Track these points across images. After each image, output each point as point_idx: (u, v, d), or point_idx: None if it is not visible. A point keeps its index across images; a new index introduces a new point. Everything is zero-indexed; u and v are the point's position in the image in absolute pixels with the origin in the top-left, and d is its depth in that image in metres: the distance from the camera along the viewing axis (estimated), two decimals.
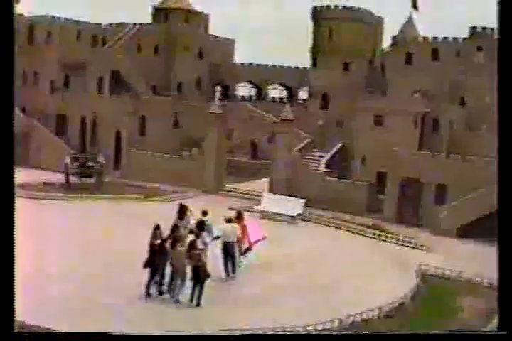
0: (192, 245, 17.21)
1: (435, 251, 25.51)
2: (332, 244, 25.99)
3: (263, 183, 36.27)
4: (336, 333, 15.40)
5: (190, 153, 38.00)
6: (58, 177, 35.18)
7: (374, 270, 22.32)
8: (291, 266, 21.78)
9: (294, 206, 30.37)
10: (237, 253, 19.81)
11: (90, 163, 36.36)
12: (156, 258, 17.37)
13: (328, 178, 33.87)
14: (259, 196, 32.62)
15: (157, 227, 18.00)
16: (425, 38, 45.69)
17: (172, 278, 17.39)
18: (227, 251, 19.39)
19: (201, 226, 19.07)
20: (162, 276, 17.60)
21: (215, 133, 36.55)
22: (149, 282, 17.53)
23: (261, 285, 19.34)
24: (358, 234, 28.08)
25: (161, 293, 17.60)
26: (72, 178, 35.02)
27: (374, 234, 27.82)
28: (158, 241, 17.46)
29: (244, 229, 20.23)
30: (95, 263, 20.18)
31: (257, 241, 21.05)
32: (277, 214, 29.81)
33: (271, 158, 36.21)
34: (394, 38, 47.82)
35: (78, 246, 21.99)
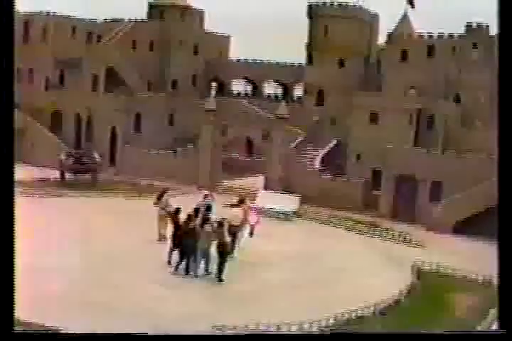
0: (220, 224, 19.28)
1: (430, 248, 25.52)
2: (327, 240, 25.95)
3: (258, 180, 36.23)
4: (331, 331, 15.39)
5: (185, 149, 37.92)
6: (53, 174, 35.05)
7: (369, 267, 22.31)
8: (286, 263, 21.75)
9: (289, 203, 30.33)
10: (239, 234, 21.63)
11: (85, 160, 36.25)
12: (188, 239, 19.05)
13: (324, 175, 33.86)
14: (255, 193, 32.57)
15: (178, 211, 20.50)
16: (420, 35, 45.64)
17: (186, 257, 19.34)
18: (231, 232, 21.05)
19: (209, 209, 21.70)
20: (189, 255, 19.16)
21: (210, 129, 36.49)
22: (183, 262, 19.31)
23: (256, 282, 19.30)
24: (353, 230, 28.07)
25: (187, 271, 19.22)
26: (67, 175, 34.91)
27: (369, 230, 27.81)
28: (193, 223, 19.36)
29: (246, 212, 22.39)
30: (89, 261, 20.08)
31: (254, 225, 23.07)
32: (272, 210, 29.74)
33: (266, 155, 36.17)
34: (389, 34, 47.75)
35: (73, 244, 21.88)
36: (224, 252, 18.97)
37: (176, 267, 19.32)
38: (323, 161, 36.49)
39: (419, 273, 21.34)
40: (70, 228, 24.09)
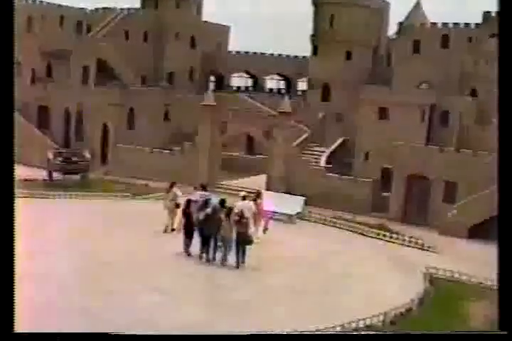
0: (242, 215, 21.04)
1: (443, 253, 25.61)
2: (333, 244, 26.00)
3: (259, 180, 36.33)
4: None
5: (181, 147, 38.07)
6: (40, 174, 35.18)
7: (378, 272, 22.38)
8: (289, 269, 21.84)
9: (292, 204, 30.39)
10: (250, 229, 21.99)
11: (75, 159, 36.38)
12: (210, 228, 21.06)
13: (329, 175, 33.95)
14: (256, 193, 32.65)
15: (189, 202, 22.48)
16: (434, 24, 45.71)
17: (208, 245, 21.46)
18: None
19: (222, 203, 22.21)
20: (209, 244, 21.32)
21: (209, 126, 36.61)
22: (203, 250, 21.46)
23: (258, 288, 19.42)
24: (361, 234, 28.16)
25: (208, 259, 21.30)
26: (55, 175, 35.03)
27: (378, 234, 27.91)
28: (222, 215, 21.17)
29: (259, 207, 23.85)
30: (78, 264, 20.21)
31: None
32: (275, 212, 29.83)
33: (268, 153, 36.30)
34: (400, 24, 47.86)
35: (61, 247, 22.00)
36: (244, 241, 20.96)
37: (208, 258, 21.31)
38: (328, 160, 36.61)
39: (431, 280, 21.41)
40: (57, 231, 24.18)
